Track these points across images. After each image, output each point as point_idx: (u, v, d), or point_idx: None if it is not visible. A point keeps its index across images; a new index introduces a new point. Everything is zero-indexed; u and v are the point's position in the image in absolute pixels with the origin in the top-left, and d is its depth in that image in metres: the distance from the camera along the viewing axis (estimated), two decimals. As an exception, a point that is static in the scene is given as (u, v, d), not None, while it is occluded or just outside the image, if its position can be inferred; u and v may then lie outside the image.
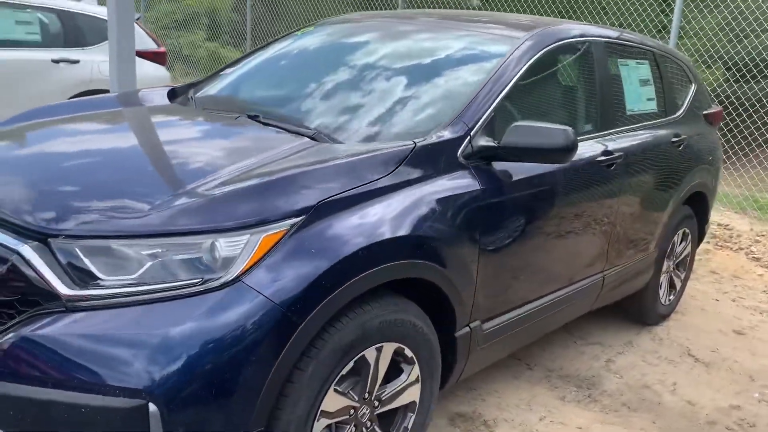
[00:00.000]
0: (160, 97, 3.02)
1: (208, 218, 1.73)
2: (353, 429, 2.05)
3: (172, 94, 3.05)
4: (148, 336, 1.61)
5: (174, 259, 1.69)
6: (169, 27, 16.31)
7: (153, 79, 6.67)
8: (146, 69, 6.90)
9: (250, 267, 1.70)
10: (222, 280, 1.67)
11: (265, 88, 3.02)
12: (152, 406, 1.57)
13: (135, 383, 1.58)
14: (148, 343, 1.60)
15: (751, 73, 8.35)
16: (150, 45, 6.99)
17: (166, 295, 1.65)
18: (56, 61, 6.16)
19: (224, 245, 1.70)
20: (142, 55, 6.95)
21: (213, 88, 3.08)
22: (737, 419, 3.05)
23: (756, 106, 7.87)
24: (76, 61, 6.34)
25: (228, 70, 3.24)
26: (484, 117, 2.42)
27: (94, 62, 6.47)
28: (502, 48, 2.73)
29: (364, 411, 2.07)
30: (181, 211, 1.74)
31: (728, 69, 10.04)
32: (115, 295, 1.65)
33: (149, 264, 1.67)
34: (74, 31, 6.42)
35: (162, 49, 7.19)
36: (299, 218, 1.80)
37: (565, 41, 2.95)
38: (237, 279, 1.69)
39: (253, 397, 1.68)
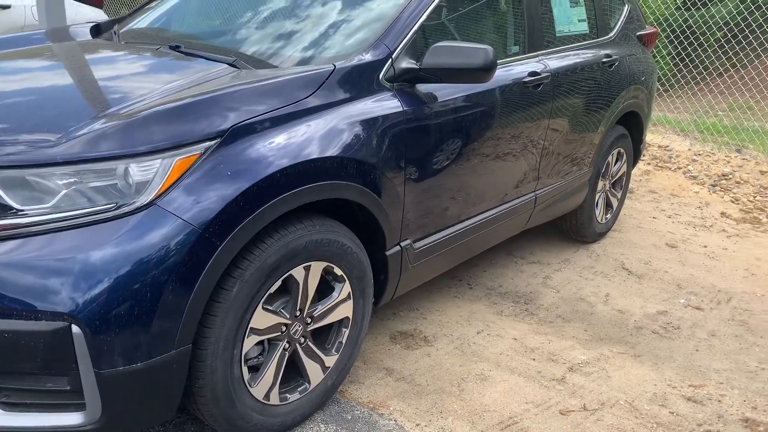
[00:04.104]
0: (85, 34, 2.97)
1: (120, 144, 1.74)
2: (286, 345, 2.14)
3: (96, 30, 2.99)
4: (66, 261, 1.64)
5: (89, 186, 1.71)
6: (111, -30, 15.62)
7: (93, 20, 6.46)
8: (84, 11, 6.69)
9: (165, 191, 1.73)
10: (136, 205, 1.70)
11: (189, 19, 2.98)
12: (75, 328, 1.62)
13: (57, 307, 1.61)
14: (67, 268, 1.63)
15: (701, 0, 8.41)
16: (85, -13, 6.75)
17: (81, 222, 1.67)
18: (-15, 7, 5.92)
19: (137, 170, 1.72)
20: (79, -2, 6.73)
21: (138, 23, 3.02)
22: (663, 323, 3.24)
23: (707, 33, 7.97)
24: (7, 6, 6.10)
25: (153, 4, 3.18)
26: (406, 39, 2.44)
27: (26, 7, 6.23)
28: (425, -31, 2.72)
29: (296, 328, 2.15)
30: (93, 138, 1.75)
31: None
32: (31, 224, 1.67)
33: (63, 192, 1.69)
34: (3, -25, 6.15)
35: (98, -9, 6.95)
36: (213, 141, 1.82)
37: (490, -38, 2.95)
38: (151, 203, 1.71)
39: (176, 316, 1.73)
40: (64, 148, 1.73)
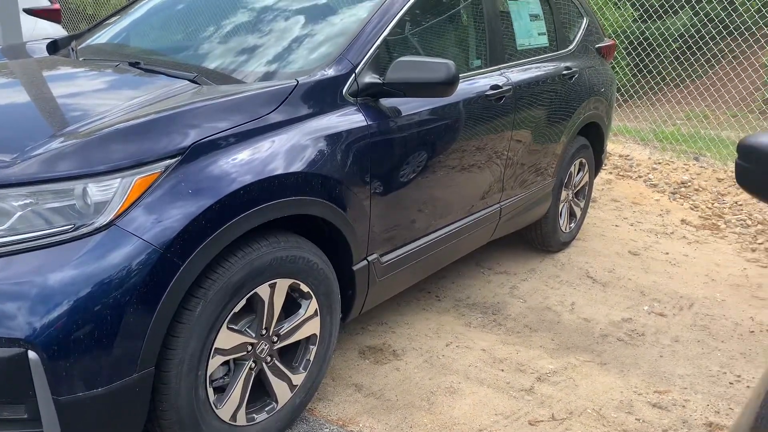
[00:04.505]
0: (42, 50, 2.90)
1: (78, 163, 1.70)
2: (253, 364, 2.11)
3: (53, 47, 2.94)
4: (23, 285, 1.59)
5: (46, 207, 1.67)
6: (70, -16, 15.39)
7: (51, 36, 6.34)
8: (42, 26, 6.57)
9: (125, 210, 1.70)
10: (95, 225, 1.66)
11: (149, 35, 2.94)
12: (32, 354, 1.57)
13: (12, 332, 1.56)
14: (23, 292, 1.59)
15: (657, 13, 8.64)
16: (43, 2, 6.64)
17: (38, 244, 1.63)
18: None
19: (95, 190, 1.69)
20: (36, 13, 6.60)
21: (97, 39, 2.98)
22: (628, 330, 3.28)
23: (663, 45, 8.17)
24: (-40, 22, 5.94)
25: (113, 19, 3.13)
26: (369, 53, 2.45)
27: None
28: (388, -16, 2.74)
29: (262, 347, 2.12)
30: (50, 158, 1.71)
31: (635, 7, 10.36)
32: (-14, 247, 1.62)
33: (19, 214, 1.64)
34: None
35: (56, 5, 6.83)
36: (174, 159, 1.80)
37: (451, -23, 2.99)
38: (111, 223, 1.68)
39: (137, 339, 1.70)
40: (19, 169, 1.69)
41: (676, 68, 7.92)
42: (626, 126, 7.51)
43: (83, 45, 2.92)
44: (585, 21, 4.15)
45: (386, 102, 2.47)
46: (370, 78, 2.41)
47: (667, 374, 2.91)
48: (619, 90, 7.63)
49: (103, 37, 3.00)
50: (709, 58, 7.42)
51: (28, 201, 1.66)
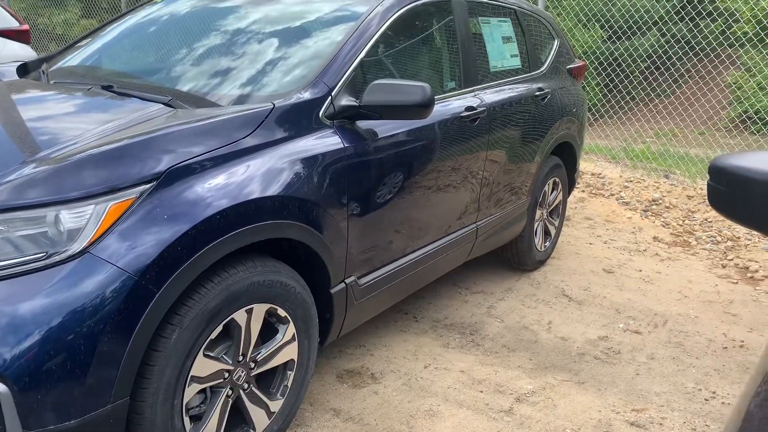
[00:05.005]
0: (11, 73, 2.86)
1: (50, 190, 1.67)
2: (230, 392, 2.07)
3: (23, 70, 2.89)
4: (-8, 315, 1.55)
5: (17, 234, 1.63)
6: (39, 5, 15.25)
7: (21, 58, 6.26)
8: (11, 47, 6.47)
9: (99, 237, 1.67)
10: (68, 253, 1.63)
11: (123, 57, 2.91)
12: (1, 386, 1.53)
13: (-19, 365, 1.52)
14: (-8, 323, 1.54)
15: (626, 34, 8.84)
16: (11, 23, 6.55)
17: (9, 272, 1.59)
18: None
19: (68, 217, 1.66)
20: (4, 33, 6.51)
21: (68, 61, 2.94)
22: (604, 348, 3.31)
23: (632, 65, 8.38)
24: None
25: (85, 41, 3.10)
26: (345, 77, 2.46)
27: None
28: (362, 8, 2.76)
29: (239, 373, 2.09)
30: (21, 184, 1.67)
31: (604, 29, 10.58)
32: (-46, 277, 1.57)
33: (-12, 242, 1.61)
34: None
35: (25, 26, 6.75)
36: (149, 185, 1.77)
37: (425, 0, 3.02)
38: (84, 251, 1.65)
39: (112, 369, 1.66)
40: (-12, 196, 1.65)
41: (645, 87, 8.11)
42: (597, 144, 7.64)
43: (54, 67, 2.88)
44: (556, 43, 4.23)
45: (362, 124, 2.48)
46: (346, 101, 2.42)
47: (644, 392, 2.93)
48: (589, 109, 7.77)
49: (74, 59, 2.97)
50: (677, 78, 7.60)
51: (-3, 228, 1.63)
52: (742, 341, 3.47)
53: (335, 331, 2.55)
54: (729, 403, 2.89)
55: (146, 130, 1.93)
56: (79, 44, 3.10)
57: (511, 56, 3.71)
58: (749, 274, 4.41)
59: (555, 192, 4.25)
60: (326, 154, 2.29)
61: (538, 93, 3.74)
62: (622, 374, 3.06)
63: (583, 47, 9.81)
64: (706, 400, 2.90)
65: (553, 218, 4.33)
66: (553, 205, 4.27)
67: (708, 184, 1.33)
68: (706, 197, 1.34)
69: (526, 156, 3.65)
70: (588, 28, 11.36)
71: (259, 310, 2.10)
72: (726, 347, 3.41)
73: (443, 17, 3.19)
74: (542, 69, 3.97)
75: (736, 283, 4.28)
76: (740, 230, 5.03)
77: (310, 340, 2.34)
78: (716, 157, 1.32)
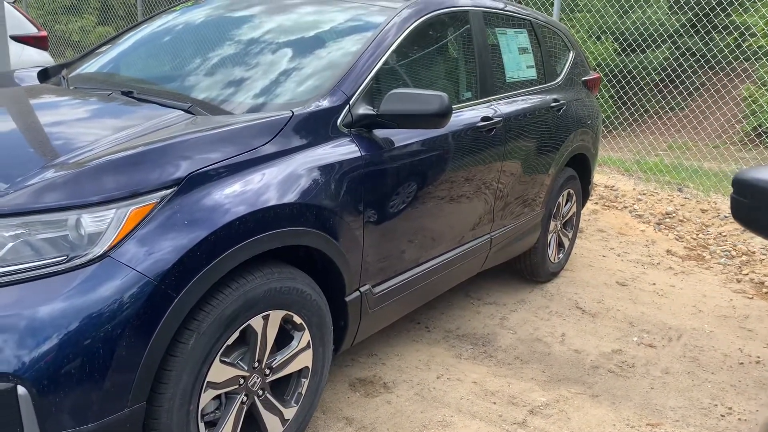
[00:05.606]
0: (32, 78, 2.89)
1: (71, 194, 1.68)
2: (244, 398, 2.07)
3: (44, 75, 2.92)
4: (13, 318, 1.55)
5: (38, 237, 1.64)
6: (57, 12, 15.44)
7: (38, 63, 6.33)
8: (29, 53, 6.55)
9: (119, 241, 1.68)
10: (89, 257, 1.64)
11: (141, 64, 2.94)
12: (21, 389, 1.53)
13: (1, 367, 1.53)
14: (13, 326, 1.55)
15: (640, 46, 8.83)
16: (30, 29, 6.62)
17: (29, 275, 1.60)
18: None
19: (89, 221, 1.67)
20: (22, 40, 6.58)
21: (87, 67, 2.97)
22: (618, 362, 3.28)
23: (646, 77, 8.37)
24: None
25: (104, 48, 3.13)
26: (363, 85, 2.47)
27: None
28: (380, 18, 2.78)
29: (255, 380, 2.09)
30: (42, 188, 1.69)
31: (617, 41, 10.59)
32: (-24, 279, 1.59)
33: (10, 245, 1.62)
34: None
35: (43, 33, 6.82)
36: (170, 190, 1.78)
37: (442, 10, 3.03)
38: (105, 255, 1.66)
39: (130, 373, 1.66)
40: (11, 199, 1.66)
41: (659, 100, 8.09)
42: (611, 156, 7.61)
43: (74, 73, 2.91)
44: (571, 54, 4.23)
45: (379, 133, 2.48)
46: (363, 109, 2.43)
47: (659, 406, 2.90)
48: (603, 121, 7.76)
49: (94, 65, 2.99)
50: (691, 91, 7.58)
51: (20, 231, 1.64)
52: (759, 357, 3.44)
53: (349, 340, 2.54)
54: (745, 419, 2.86)
55: (167, 136, 1.94)
56: (98, 51, 3.13)
57: (527, 67, 3.71)
58: (765, 290, 4.37)
59: (569, 204, 4.23)
60: (344, 162, 2.29)
61: (553, 104, 3.74)
62: (637, 388, 3.04)
63: (597, 59, 9.81)
64: (722, 416, 2.87)
65: (566, 230, 4.31)
66: (567, 217, 4.26)
67: (731, 197, 1.32)
68: (730, 210, 1.33)
69: (541, 167, 3.65)
70: (602, 41, 11.37)
71: (276, 316, 2.10)
72: (742, 363, 3.37)
73: (460, 27, 3.20)
74: (558, 80, 3.97)
75: (752, 298, 4.24)
76: (755, 245, 4.99)
77: (325, 347, 2.34)
78: (740, 171, 1.32)
